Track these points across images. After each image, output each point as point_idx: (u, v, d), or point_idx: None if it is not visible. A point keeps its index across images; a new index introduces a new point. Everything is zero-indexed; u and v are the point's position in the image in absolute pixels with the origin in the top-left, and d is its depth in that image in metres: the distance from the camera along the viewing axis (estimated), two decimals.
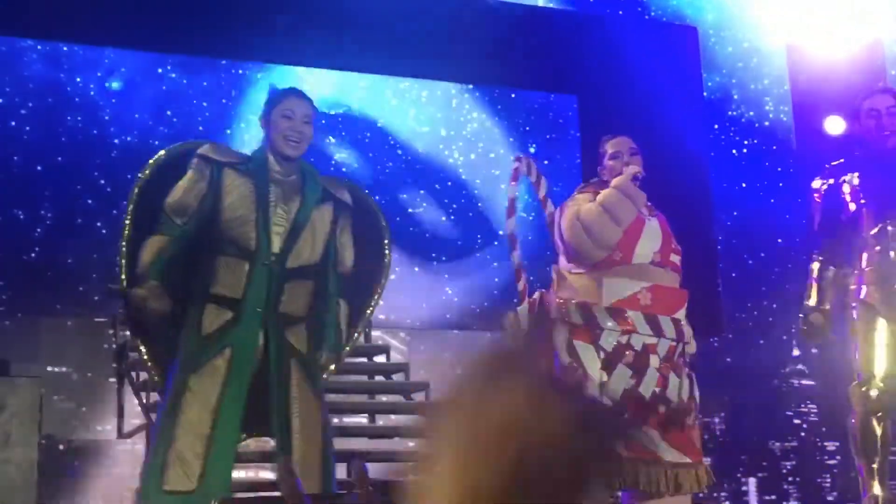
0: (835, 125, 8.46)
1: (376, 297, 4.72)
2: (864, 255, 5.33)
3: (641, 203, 4.43)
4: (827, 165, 5.66)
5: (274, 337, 4.20)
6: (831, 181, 5.52)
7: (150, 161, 4.48)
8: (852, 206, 5.38)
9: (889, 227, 5.29)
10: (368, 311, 4.74)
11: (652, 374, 4.22)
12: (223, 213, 4.20)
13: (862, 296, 5.31)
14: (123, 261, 4.31)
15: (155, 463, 4.05)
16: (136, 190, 4.42)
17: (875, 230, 5.31)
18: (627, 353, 4.25)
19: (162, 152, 4.54)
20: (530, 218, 4.94)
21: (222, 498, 4.00)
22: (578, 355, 4.28)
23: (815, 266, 5.47)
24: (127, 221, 4.35)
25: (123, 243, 4.34)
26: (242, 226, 4.20)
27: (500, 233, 4.74)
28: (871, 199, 5.33)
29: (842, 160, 5.63)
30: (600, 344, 4.27)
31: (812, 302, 5.42)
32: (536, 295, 4.54)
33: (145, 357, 4.38)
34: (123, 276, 4.30)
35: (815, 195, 5.52)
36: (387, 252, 4.72)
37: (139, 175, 4.44)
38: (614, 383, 4.20)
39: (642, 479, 4.09)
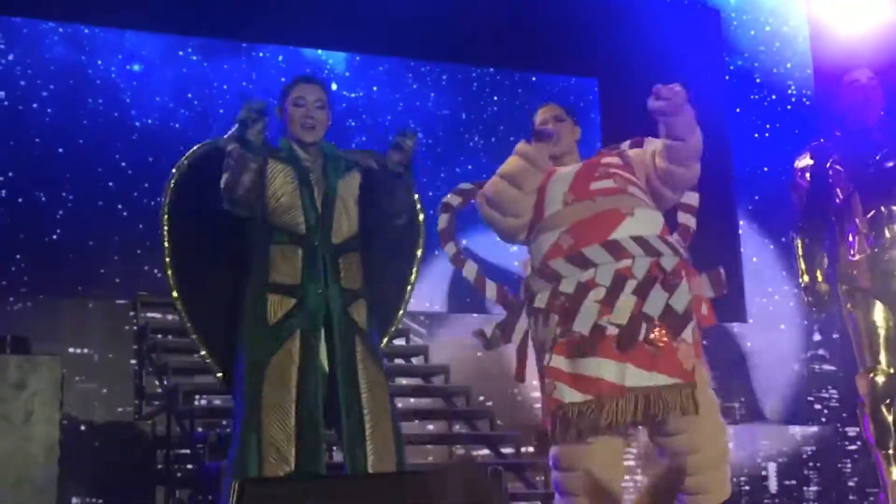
0: None
1: (416, 262, 4.82)
2: (857, 241, 5.28)
3: (543, 164, 4.28)
4: (809, 145, 5.61)
5: (338, 316, 4.23)
6: (811, 162, 5.48)
7: (184, 158, 4.48)
8: (840, 193, 5.34)
9: (883, 210, 5.25)
10: (412, 280, 4.80)
11: (588, 309, 4.01)
12: (269, 200, 4.25)
13: (858, 283, 5.27)
14: (168, 264, 4.34)
15: (246, 452, 4.06)
16: (172, 186, 4.44)
17: (869, 215, 5.26)
18: (559, 299, 4.09)
19: (196, 147, 4.55)
20: None
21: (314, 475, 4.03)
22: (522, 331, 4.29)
23: (800, 243, 5.44)
24: (165, 226, 4.37)
25: (166, 244, 4.36)
26: (289, 211, 4.25)
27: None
28: (860, 184, 5.29)
29: (822, 140, 5.57)
30: (535, 306, 4.18)
31: (807, 279, 5.39)
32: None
33: (204, 354, 4.39)
34: (171, 284, 4.32)
35: (800, 176, 5.46)
36: (419, 214, 4.83)
37: (173, 171, 4.45)
38: (547, 330, 4.11)
39: (611, 414, 3.91)
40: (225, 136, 4.24)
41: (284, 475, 3.99)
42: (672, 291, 4.06)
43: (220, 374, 4.39)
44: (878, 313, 5.22)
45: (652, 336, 3.98)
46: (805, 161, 5.54)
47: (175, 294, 4.32)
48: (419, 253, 4.84)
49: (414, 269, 4.82)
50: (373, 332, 4.38)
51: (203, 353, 4.39)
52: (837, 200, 5.34)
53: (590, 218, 4.17)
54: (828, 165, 5.40)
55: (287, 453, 4.03)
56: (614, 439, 4.11)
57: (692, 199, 4.63)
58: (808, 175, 5.43)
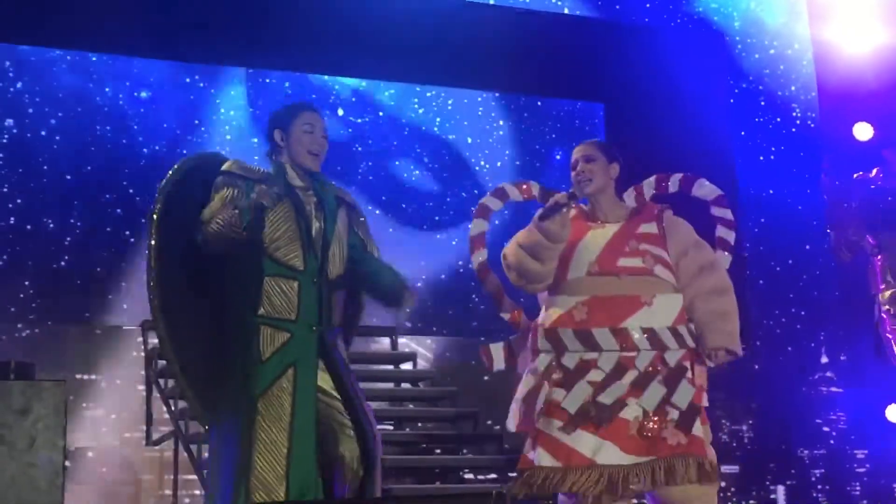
0: (863, 131, 8.42)
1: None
2: None
3: (559, 239, 4.19)
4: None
5: (327, 353, 4.20)
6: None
7: (171, 173, 4.38)
8: None
9: None
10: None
11: (582, 388, 4.06)
12: (267, 232, 4.15)
13: None
14: (153, 286, 4.22)
15: (236, 490, 4.02)
16: (160, 205, 4.30)
17: None
18: (555, 374, 4.13)
19: (183, 161, 4.46)
20: None
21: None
22: (522, 383, 4.28)
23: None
24: (152, 240, 4.24)
25: (152, 262, 4.23)
26: (288, 244, 4.17)
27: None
28: None
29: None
30: (535, 365, 4.20)
31: None
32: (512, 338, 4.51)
33: (186, 388, 4.27)
34: (156, 303, 4.21)
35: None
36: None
37: (159, 186, 4.34)
38: (541, 398, 4.12)
39: (575, 485, 3.98)
40: (224, 168, 4.19)
41: None
42: (673, 388, 4.10)
43: (200, 413, 4.27)
44: None
45: (647, 428, 4.03)
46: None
47: (159, 323, 4.17)
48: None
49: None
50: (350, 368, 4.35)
51: (187, 392, 4.23)
52: None
53: (608, 298, 4.16)
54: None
55: (274, 492, 3.97)
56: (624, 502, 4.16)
57: (730, 235, 4.70)
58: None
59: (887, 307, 5.35)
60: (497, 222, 4.90)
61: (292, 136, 4.30)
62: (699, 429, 4.14)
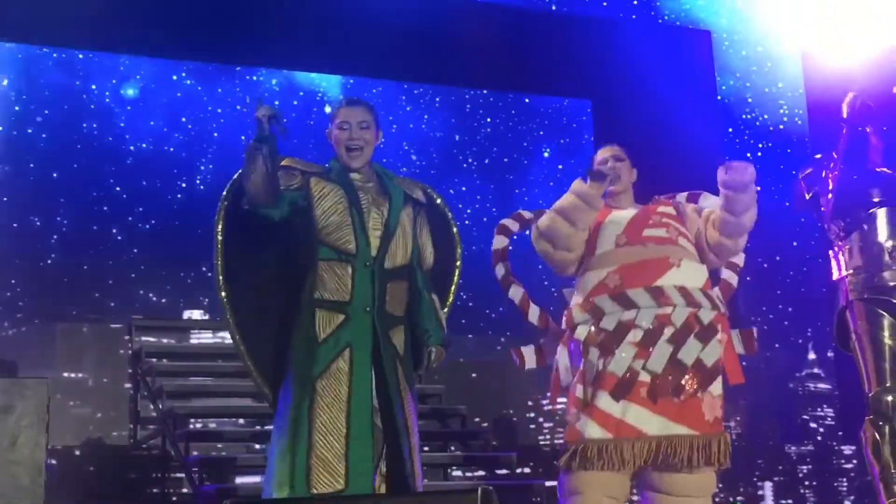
0: None
1: (453, 287, 4.76)
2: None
3: (596, 203, 4.33)
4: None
5: (383, 339, 4.24)
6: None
7: (230, 183, 4.47)
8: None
9: None
10: (448, 303, 4.74)
11: (626, 349, 4.13)
12: (318, 220, 4.25)
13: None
14: (222, 287, 4.30)
15: (297, 468, 4.08)
16: (222, 212, 4.40)
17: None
18: (599, 335, 4.18)
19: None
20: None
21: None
22: (556, 360, 4.33)
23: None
24: (219, 246, 4.34)
25: (219, 265, 4.28)
26: (340, 230, 4.25)
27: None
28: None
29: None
30: (575, 338, 4.25)
31: None
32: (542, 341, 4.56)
33: (252, 369, 4.37)
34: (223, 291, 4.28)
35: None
36: (457, 244, 4.75)
37: (224, 192, 4.43)
38: (588, 367, 4.17)
39: (626, 457, 4.04)
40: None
41: (335, 492, 4.01)
42: (705, 344, 4.20)
43: (269, 395, 4.38)
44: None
45: (682, 384, 4.13)
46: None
47: (229, 316, 4.32)
48: (456, 274, 4.85)
49: (451, 291, 4.84)
50: (408, 358, 4.36)
51: (254, 374, 4.31)
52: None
53: (639, 262, 4.30)
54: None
55: (337, 472, 4.05)
56: (623, 473, 4.19)
57: (738, 258, 4.77)
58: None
59: (854, 296, 5.33)
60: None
61: (332, 135, 4.40)
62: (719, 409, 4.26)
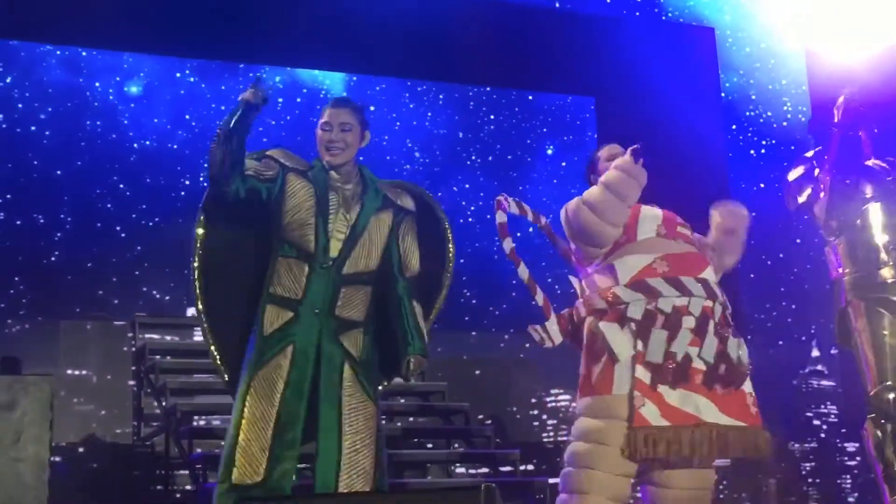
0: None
1: (444, 290, 4.74)
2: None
3: (643, 180, 4.39)
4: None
5: (327, 340, 4.26)
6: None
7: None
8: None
9: None
10: (437, 306, 4.75)
11: (685, 334, 4.17)
12: (285, 215, 4.29)
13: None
14: (198, 291, 4.38)
15: (226, 459, 4.14)
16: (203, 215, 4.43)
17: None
18: (658, 317, 4.21)
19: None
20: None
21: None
22: (604, 335, 4.25)
23: None
24: (199, 232, 4.39)
25: (197, 255, 4.37)
26: (302, 228, 4.28)
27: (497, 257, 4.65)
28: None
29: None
30: (629, 315, 4.24)
31: None
32: (566, 311, 4.54)
33: (217, 357, 4.40)
34: (200, 306, 4.39)
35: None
36: (450, 247, 4.76)
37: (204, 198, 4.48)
38: (653, 348, 4.18)
39: (685, 446, 4.04)
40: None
41: (252, 484, 4.04)
42: (739, 341, 4.29)
43: (227, 380, 4.42)
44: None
45: (730, 376, 4.19)
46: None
47: (199, 303, 4.38)
48: (448, 277, 4.83)
49: (442, 291, 4.81)
50: (368, 363, 4.35)
51: (218, 360, 4.38)
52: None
53: (682, 254, 4.39)
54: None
55: (258, 464, 4.08)
56: (627, 475, 4.21)
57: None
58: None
59: (852, 296, 5.32)
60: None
61: (316, 136, 4.42)
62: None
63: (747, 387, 4.29)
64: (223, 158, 4.19)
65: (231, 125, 4.21)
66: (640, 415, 4.12)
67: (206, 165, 4.27)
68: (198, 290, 4.39)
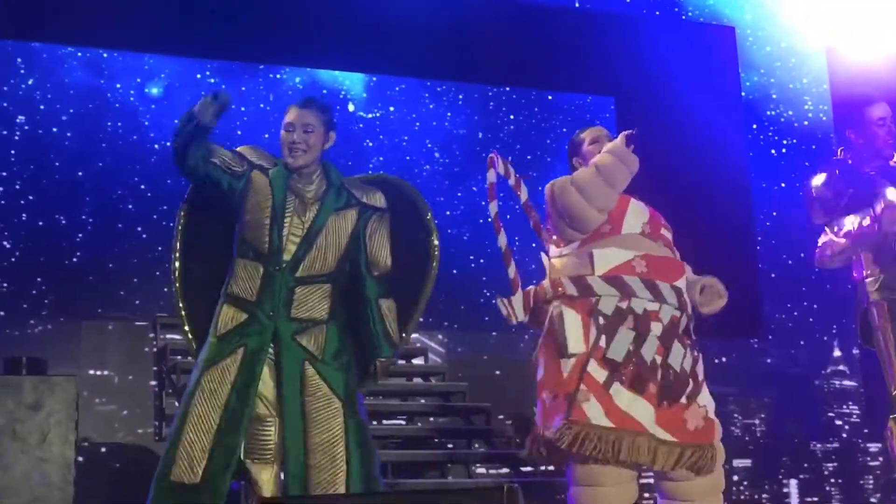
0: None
1: (427, 287, 4.68)
2: None
3: (635, 168, 4.32)
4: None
5: (285, 342, 4.25)
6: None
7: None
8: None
9: None
10: (421, 304, 4.69)
11: (652, 340, 4.12)
12: (244, 214, 4.31)
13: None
14: (179, 298, 4.49)
15: (166, 455, 4.15)
16: (183, 211, 4.56)
17: None
18: (629, 317, 4.16)
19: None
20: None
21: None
22: (563, 324, 4.17)
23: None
24: (180, 223, 4.44)
25: (176, 258, 4.46)
26: (258, 229, 4.28)
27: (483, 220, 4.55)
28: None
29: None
30: (599, 309, 4.17)
31: None
32: (531, 288, 4.45)
33: (188, 330, 4.46)
34: (183, 314, 4.47)
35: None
36: (434, 239, 4.70)
37: (185, 197, 4.51)
38: (616, 346, 4.11)
39: (624, 449, 4.00)
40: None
41: (189, 484, 4.04)
42: (698, 356, 4.28)
43: (194, 347, 4.45)
44: None
45: (683, 389, 4.14)
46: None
47: (176, 285, 4.47)
48: (433, 271, 4.76)
49: (427, 284, 4.73)
50: (335, 357, 4.32)
51: (188, 330, 4.46)
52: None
53: (662, 257, 4.32)
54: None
55: (197, 465, 4.07)
56: (631, 477, 4.20)
57: None
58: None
59: (875, 296, 5.30)
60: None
61: (280, 136, 4.42)
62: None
63: (703, 399, 4.21)
64: (186, 141, 4.24)
65: (181, 138, 4.20)
66: (581, 409, 4.05)
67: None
68: (176, 274, 4.50)
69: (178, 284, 4.47)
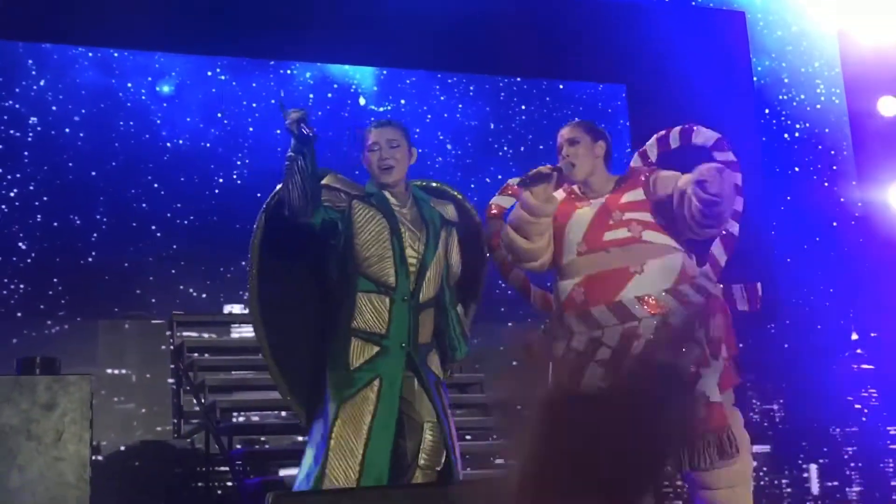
0: (888, 106, 8.35)
1: (480, 288, 4.84)
2: None
3: (544, 208, 4.19)
4: None
5: (421, 369, 4.34)
6: None
7: (272, 195, 4.49)
8: None
9: None
10: (474, 304, 4.83)
11: (593, 370, 3.96)
12: (359, 249, 4.30)
13: None
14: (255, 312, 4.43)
15: (312, 482, 4.17)
16: (263, 218, 4.46)
17: None
18: (568, 356, 4.13)
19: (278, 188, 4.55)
20: None
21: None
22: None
23: None
24: (254, 270, 4.42)
25: (253, 271, 4.42)
26: (380, 262, 4.30)
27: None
28: None
29: None
30: (554, 353, 4.18)
31: None
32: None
33: (287, 393, 4.46)
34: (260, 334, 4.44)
35: None
36: (485, 248, 4.79)
37: (265, 204, 4.47)
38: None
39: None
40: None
41: None
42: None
43: (302, 413, 4.45)
44: None
45: None
46: None
47: (263, 341, 4.41)
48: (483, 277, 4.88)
49: (479, 290, 4.87)
50: (442, 380, 4.47)
51: (286, 392, 4.45)
52: None
53: (599, 274, 4.17)
54: None
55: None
56: None
57: (733, 227, 4.62)
58: None
59: None
60: None
61: (365, 159, 4.41)
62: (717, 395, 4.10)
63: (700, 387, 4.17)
64: (302, 190, 4.15)
65: (297, 150, 4.13)
66: None
67: (277, 198, 4.23)
68: (259, 324, 4.42)
69: (270, 355, 4.43)
